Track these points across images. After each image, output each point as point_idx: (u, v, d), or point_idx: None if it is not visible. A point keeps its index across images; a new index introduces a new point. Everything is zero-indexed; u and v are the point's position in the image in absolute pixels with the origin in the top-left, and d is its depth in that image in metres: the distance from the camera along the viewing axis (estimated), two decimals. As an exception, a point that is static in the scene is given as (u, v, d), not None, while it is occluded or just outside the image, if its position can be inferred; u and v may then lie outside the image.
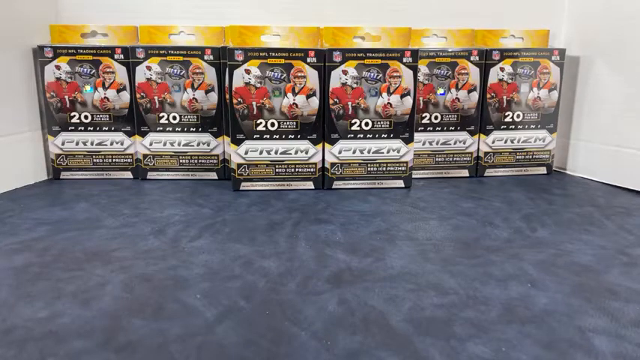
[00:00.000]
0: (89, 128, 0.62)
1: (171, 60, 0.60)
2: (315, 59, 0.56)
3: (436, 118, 0.64)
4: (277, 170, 0.59)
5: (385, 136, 0.59)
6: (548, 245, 0.43)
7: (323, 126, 0.58)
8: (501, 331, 0.30)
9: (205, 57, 0.60)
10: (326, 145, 0.59)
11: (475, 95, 0.64)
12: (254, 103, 0.57)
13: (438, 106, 0.64)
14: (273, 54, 0.56)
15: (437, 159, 0.65)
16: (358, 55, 0.56)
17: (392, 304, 0.33)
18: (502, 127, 0.65)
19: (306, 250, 0.41)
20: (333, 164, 0.59)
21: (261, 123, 0.57)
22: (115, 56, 0.61)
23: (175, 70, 0.61)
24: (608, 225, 0.48)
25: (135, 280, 0.36)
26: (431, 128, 0.64)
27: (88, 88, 0.62)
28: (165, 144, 0.62)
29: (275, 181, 0.59)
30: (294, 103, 0.57)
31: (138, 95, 0.61)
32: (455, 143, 0.65)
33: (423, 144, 0.64)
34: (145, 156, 0.63)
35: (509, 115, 0.65)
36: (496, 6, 0.70)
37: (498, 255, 0.41)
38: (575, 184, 0.63)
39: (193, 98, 0.61)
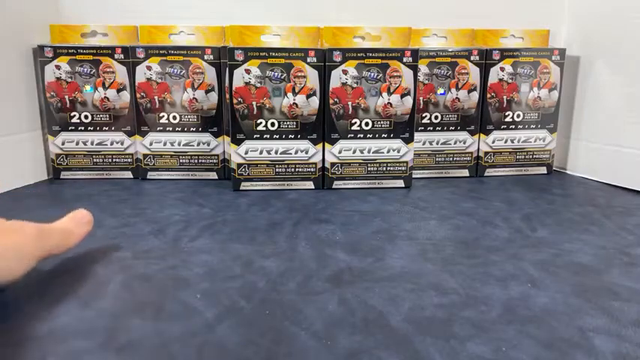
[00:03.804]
0: (89, 128, 0.62)
1: (172, 60, 0.60)
2: (315, 59, 0.56)
3: (436, 117, 0.64)
4: (277, 170, 0.59)
5: (385, 135, 0.59)
6: (549, 245, 0.43)
7: (323, 126, 0.58)
8: (501, 331, 0.30)
9: (205, 57, 0.60)
10: (326, 144, 0.59)
11: (475, 95, 0.64)
12: (254, 103, 0.57)
13: (438, 105, 0.64)
14: (273, 54, 0.56)
15: (437, 159, 0.65)
16: (358, 54, 0.56)
17: (392, 304, 0.33)
18: (502, 126, 0.65)
19: (306, 250, 0.41)
20: (333, 164, 0.59)
21: (261, 123, 0.57)
22: (115, 56, 0.61)
23: (175, 70, 0.61)
24: (608, 225, 0.48)
25: (135, 280, 0.36)
26: (431, 128, 0.64)
27: (88, 87, 0.62)
28: (165, 144, 0.62)
29: (275, 180, 0.59)
30: (294, 103, 0.57)
31: (138, 95, 0.61)
32: (455, 143, 0.65)
33: (423, 144, 0.64)
34: (145, 156, 0.63)
35: (509, 114, 0.65)
36: (496, 6, 0.70)
37: (498, 255, 0.41)
38: (575, 183, 0.63)
39: (193, 98, 0.61)
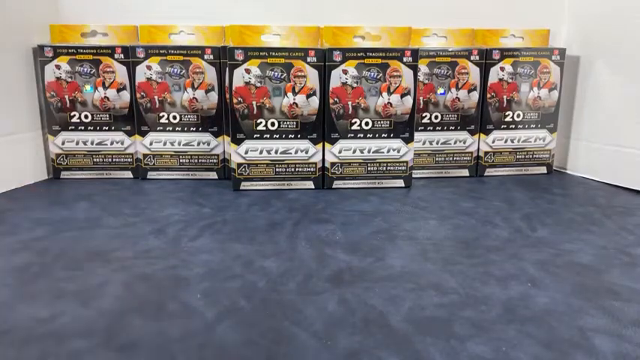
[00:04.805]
0: (89, 128, 0.62)
1: (172, 59, 0.60)
2: (315, 59, 0.56)
3: (436, 117, 0.64)
4: (277, 170, 0.59)
5: (385, 135, 0.59)
6: (549, 245, 0.43)
7: (323, 125, 0.58)
8: (501, 330, 0.30)
9: (205, 56, 0.60)
10: (326, 144, 0.59)
11: (475, 95, 0.64)
12: (254, 103, 0.57)
13: (438, 105, 0.64)
14: (274, 53, 0.56)
15: (437, 159, 0.65)
16: (358, 54, 0.56)
17: (392, 304, 0.33)
18: (502, 126, 0.65)
19: (306, 250, 0.41)
20: (333, 164, 0.59)
21: (261, 122, 0.57)
22: (115, 56, 0.61)
23: (175, 70, 0.61)
24: (608, 224, 0.48)
25: (135, 280, 0.36)
26: (431, 128, 0.64)
27: (88, 87, 0.62)
28: (165, 143, 0.62)
29: (275, 180, 0.59)
30: (294, 103, 0.57)
31: (138, 95, 0.61)
32: (455, 143, 0.65)
33: (423, 143, 0.64)
34: (145, 155, 0.63)
35: (509, 114, 0.65)
36: (496, 6, 0.70)
37: (498, 254, 0.41)
38: (575, 183, 0.63)
39: (193, 98, 0.61)
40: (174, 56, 0.60)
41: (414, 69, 0.57)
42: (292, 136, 0.58)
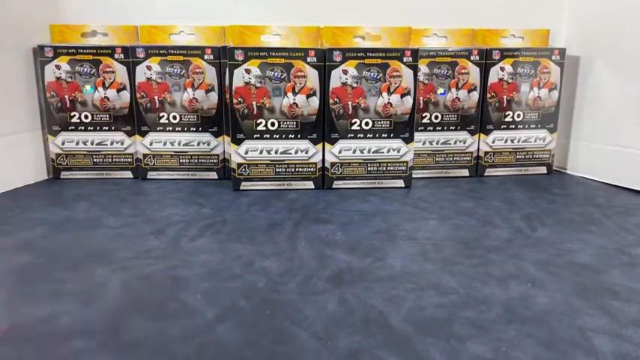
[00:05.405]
0: (89, 128, 0.62)
1: (172, 60, 0.60)
2: (315, 59, 0.56)
3: (436, 117, 0.64)
4: (277, 170, 0.59)
5: (385, 135, 0.59)
6: (549, 245, 0.43)
7: (323, 126, 0.58)
8: (501, 331, 0.30)
9: (205, 56, 0.60)
10: (326, 144, 0.59)
11: (475, 95, 0.64)
12: (254, 103, 0.57)
13: (438, 105, 0.64)
14: (273, 53, 0.56)
15: (437, 159, 0.65)
16: (358, 54, 0.56)
17: (392, 304, 0.33)
18: (502, 126, 0.65)
19: (306, 250, 0.41)
20: (333, 164, 0.59)
21: (261, 123, 0.57)
22: (115, 56, 0.61)
23: (175, 70, 0.61)
24: (608, 224, 0.48)
25: (135, 280, 0.36)
26: (431, 128, 0.64)
27: (88, 87, 0.62)
28: (165, 144, 0.62)
29: (275, 180, 0.59)
30: (294, 103, 0.57)
31: (138, 95, 0.61)
32: (455, 143, 0.65)
33: (423, 143, 0.64)
34: (145, 156, 0.63)
35: (509, 114, 0.65)
36: (496, 6, 0.70)
37: (498, 255, 0.41)
38: (575, 183, 0.63)
39: (193, 98, 0.61)
40: (174, 56, 0.60)
41: (414, 69, 0.57)
42: (292, 136, 0.58)
